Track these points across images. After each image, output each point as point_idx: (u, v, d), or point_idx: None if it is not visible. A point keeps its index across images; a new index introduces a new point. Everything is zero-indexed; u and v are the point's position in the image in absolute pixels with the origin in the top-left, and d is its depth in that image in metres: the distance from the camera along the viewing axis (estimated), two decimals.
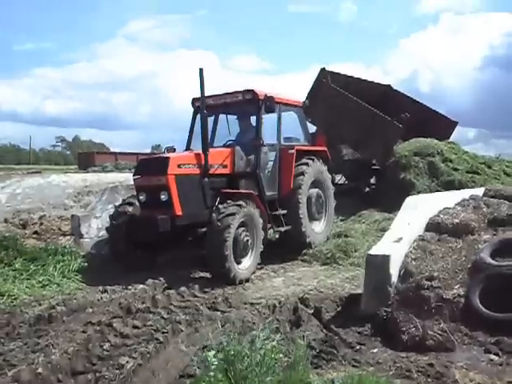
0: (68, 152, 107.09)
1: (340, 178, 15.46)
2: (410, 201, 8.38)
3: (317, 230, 10.62)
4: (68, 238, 10.04)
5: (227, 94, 9.89)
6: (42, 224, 10.92)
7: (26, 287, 7.59)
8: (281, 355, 4.48)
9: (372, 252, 6.30)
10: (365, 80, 16.30)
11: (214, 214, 8.10)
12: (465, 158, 14.47)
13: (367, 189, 15.46)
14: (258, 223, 8.68)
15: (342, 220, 12.49)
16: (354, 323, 5.83)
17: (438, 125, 15.39)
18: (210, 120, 10.19)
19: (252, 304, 6.88)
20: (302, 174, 10.06)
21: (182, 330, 5.82)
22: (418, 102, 16.18)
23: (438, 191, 11.98)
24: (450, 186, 12.71)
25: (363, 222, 11.95)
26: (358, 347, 5.27)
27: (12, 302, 7.02)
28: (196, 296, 7.35)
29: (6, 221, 10.89)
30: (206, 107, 9.00)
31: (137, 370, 4.82)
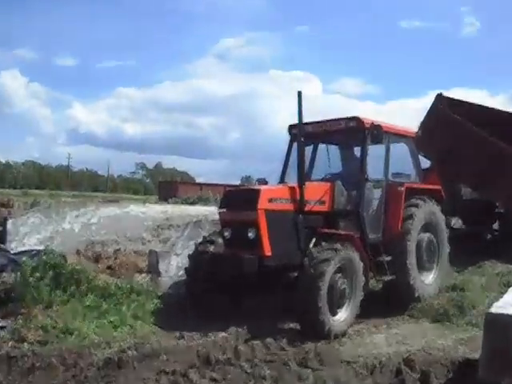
0: (148, 180, 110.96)
1: (455, 222, 15.02)
2: None
3: (427, 281, 10.33)
4: (144, 275, 10.30)
5: (329, 121, 10.00)
6: (116, 258, 11.23)
7: (96, 326, 7.76)
8: None
9: (493, 310, 5.98)
10: (490, 108, 15.89)
11: (306, 259, 8.07)
12: None
13: (489, 235, 14.98)
14: (358, 269, 8.55)
15: (457, 271, 12.09)
16: None
17: None
18: (308, 150, 10.22)
19: (348, 362, 6.73)
20: (412, 215, 9.87)
21: None
22: None
23: None
24: None
25: (483, 275, 11.60)
26: None
27: (81, 342, 7.18)
28: (284, 349, 7.30)
29: (78, 252, 11.33)
30: (304, 135, 9.07)
31: None
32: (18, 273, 8.70)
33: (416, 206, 10.04)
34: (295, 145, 9.41)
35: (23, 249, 11.41)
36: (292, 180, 9.42)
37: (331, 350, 7.38)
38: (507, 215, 13.94)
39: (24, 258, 9.40)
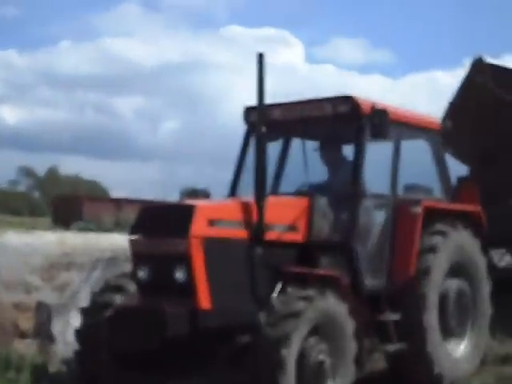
0: (37, 193, 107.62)
1: (501, 257, 13.96)
2: None
3: (456, 353, 9.25)
4: (29, 341, 9.76)
5: (307, 102, 8.89)
6: None
7: None
8: None
9: None
10: None
11: (263, 314, 6.99)
12: None
13: None
14: (346, 330, 7.45)
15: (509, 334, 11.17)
16: None
17: None
18: (275, 147, 9.43)
19: None
20: (434, 250, 8.70)
21: None
22: None
23: None
24: None
25: None
26: None
27: None
28: None
29: None
30: (267, 123, 7.99)
31: None
32: None
33: (441, 233, 8.91)
34: (254, 138, 8.04)
35: None
36: (249, 193, 8.20)
37: None
38: None
39: None
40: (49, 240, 13.94)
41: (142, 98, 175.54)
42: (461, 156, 12.40)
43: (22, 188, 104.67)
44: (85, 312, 7.95)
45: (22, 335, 9.91)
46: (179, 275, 7.06)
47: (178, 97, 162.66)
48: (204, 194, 9.05)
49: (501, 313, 9.98)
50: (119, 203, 37.54)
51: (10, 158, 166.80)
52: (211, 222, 7.22)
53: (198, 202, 7.67)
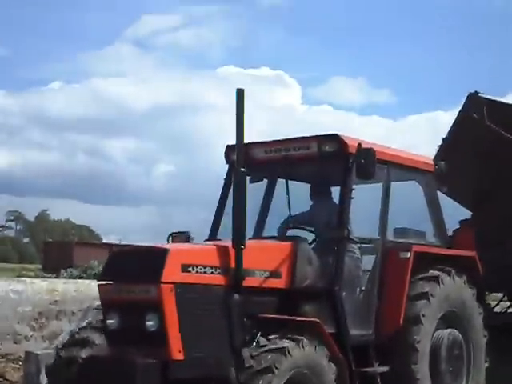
0: (27, 239, 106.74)
1: (498, 302, 13.62)
2: None
3: None
4: None
5: (291, 141, 8.66)
6: None
7: None
8: None
9: None
10: None
11: (233, 369, 6.66)
12: None
13: None
14: (327, 381, 7.01)
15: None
16: None
17: None
18: (260, 188, 9.25)
19: None
20: (424, 296, 8.40)
21: None
22: None
23: None
24: None
25: None
26: None
27: None
28: None
29: None
30: (252, 163, 8.09)
31: None
32: None
33: (434, 280, 8.61)
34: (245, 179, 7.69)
35: None
36: (230, 236, 7.62)
37: None
38: None
39: None
40: (39, 287, 13.69)
41: (134, 141, 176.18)
42: (456, 195, 12.11)
43: (10, 233, 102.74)
44: (48, 370, 7.76)
45: None
46: (150, 324, 6.66)
47: (171, 139, 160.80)
48: (184, 237, 8.54)
49: (498, 359, 9.78)
50: (111, 248, 37.20)
51: (0, 202, 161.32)
52: (185, 267, 6.87)
53: (171, 246, 7.42)
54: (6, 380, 10.06)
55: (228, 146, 8.54)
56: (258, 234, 8.98)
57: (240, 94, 7.19)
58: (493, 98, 12.36)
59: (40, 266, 40.00)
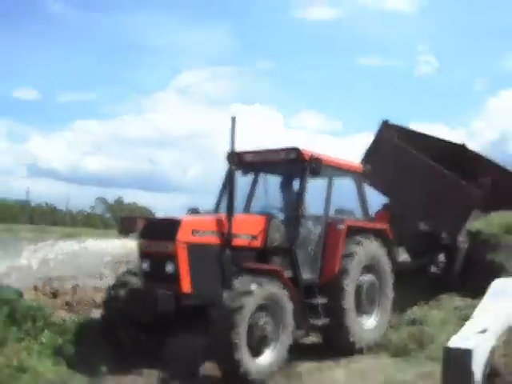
0: (108, 215, 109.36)
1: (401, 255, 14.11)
2: (498, 285, 8.12)
3: (366, 325, 9.91)
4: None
5: (269, 150, 9.63)
6: (74, 294, 11.15)
7: (52, 364, 7.53)
8: None
9: (451, 344, 6.00)
10: (434, 137, 15.43)
11: (225, 292, 7.43)
12: None
13: (435, 269, 14.16)
14: (286, 309, 7.91)
15: (415, 305, 11.54)
16: None
17: None
18: (248, 180, 10.29)
19: None
20: (352, 254, 9.49)
21: None
22: (498, 165, 15.00)
23: None
24: None
25: (442, 309, 11.40)
26: None
27: (35, 381, 6.98)
28: None
29: (35, 288, 11.18)
30: (244, 164, 9.23)
31: None
32: None
33: (358, 243, 9.68)
34: (235, 174, 8.79)
35: None
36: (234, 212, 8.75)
37: None
38: (453, 247, 13.06)
39: None
40: (116, 245, 14.36)
41: (177, 153, 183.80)
42: (375, 186, 12.87)
43: (98, 211, 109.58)
44: (110, 289, 8.65)
45: (98, 307, 9.94)
46: (169, 268, 7.58)
47: (199, 151, 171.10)
48: (194, 212, 9.19)
49: (399, 293, 10.69)
50: None
51: (92, 191, 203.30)
52: (193, 232, 7.80)
53: (185, 217, 8.21)
54: (94, 302, 10.55)
55: (228, 153, 8.85)
56: (246, 211, 10.01)
57: (233, 120, 8.04)
58: (399, 125, 14.21)
59: (117, 232, 41.11)
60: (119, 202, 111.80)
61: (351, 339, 9.29)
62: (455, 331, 7.57)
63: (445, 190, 12.29)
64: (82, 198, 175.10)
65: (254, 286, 7.39)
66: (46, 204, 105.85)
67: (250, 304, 7.29)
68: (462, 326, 7.23)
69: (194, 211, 9.23)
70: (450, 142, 15.65)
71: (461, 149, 15.54)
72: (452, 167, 13.47)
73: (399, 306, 11.05)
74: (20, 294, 9.02)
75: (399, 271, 11.06)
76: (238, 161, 9.13)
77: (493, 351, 6.24)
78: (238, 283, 7.44)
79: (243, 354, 7.15)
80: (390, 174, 12.98)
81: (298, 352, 8.46)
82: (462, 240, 12.90)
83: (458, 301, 11.80)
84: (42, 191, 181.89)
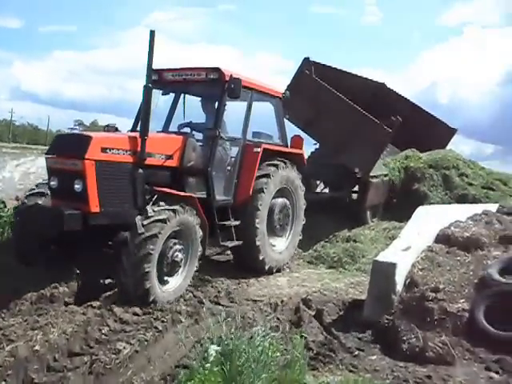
0: None
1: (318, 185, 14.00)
2: (421, 211, 8.35)
3: (277, 247, 9.12)
4: None
5: (190, 69, 8.34)
6: None
7: None
8: (278, 354, 4.47)
9: (379, 259, 6.28)
10: (356, 75, 14.52)
11: (138, 217, 6.45)
12: (480, 173, 14.14)
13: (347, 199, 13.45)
14: (196, 236, 7.10)
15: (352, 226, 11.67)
16: (355, 329, 5.84)
17: (434, 131, 14.33)
18: (168, 99, 9.02)
19: (254, 301, 6.92)
20: (267, 176, 8.60)
21: (181, 321, 5.79)
22: (414, 104, 14.72)
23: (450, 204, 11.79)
24: (463, 200, 12.51)
25: (372, 229, 11.73)
26: (356, 353, 5.27)
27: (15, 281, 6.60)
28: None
29: (17, 199, 10.93)
30: (165, 82, 8.24)
31: (133, 356, 4.82)
32: None
33: (274, 166, 8.80)
34: (155, 92, 7.58)
35: None
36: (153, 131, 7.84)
37: (240, 290, 7.56)
38: (365, 182, 12.25)
39: None
40: None
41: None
42: (291, 118, 11.50)
43: (76, 132, 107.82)
44: (18, 210, 7.40)
45: None
46: (77, 187, 6.41)
47: None
48: (113, 129, 8.03)
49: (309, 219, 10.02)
50: None
51: (70, 115, 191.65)
52: (104, 149, 6.58)
53: (94, 134, 6.87)
54: None
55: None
56: (165, 129, 8.96)
57: (152, 33, 6.80)
58: (317, 61, 13.09)
59: None
60: (94, 124, 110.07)
61: (261, 259, 8.54)
62: (383, 248, 7.99)
63: (359, 129, 11.46)
64: (61, 120, 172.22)
65: (168, 214, 6.57)
66: (28, 124, 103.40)
67: (164, 232, 6.48)
68: (389, 244, 7.53)
69: (110, 128, 8.09)
70: (371, 80, 14.87)
71: (381, 87, 14.84)
72: (371, 104, 12.90)
73: (334, 227, 11.27)
74: (3, 204, 8.95)
75: (319, 202, 11.16)
76: (159, 79, 8.21)
77: (413, 266, 6.49)
78: (152, 210, 6.54)
79: (153, 284, 6.35)
80: (307, 110, 12.06)
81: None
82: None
83: (386, 223, 12.13)
84: (25, 113, 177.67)
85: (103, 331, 5.30)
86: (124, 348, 4.92)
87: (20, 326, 5.38)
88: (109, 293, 6.53)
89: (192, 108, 8.98)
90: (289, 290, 7.75)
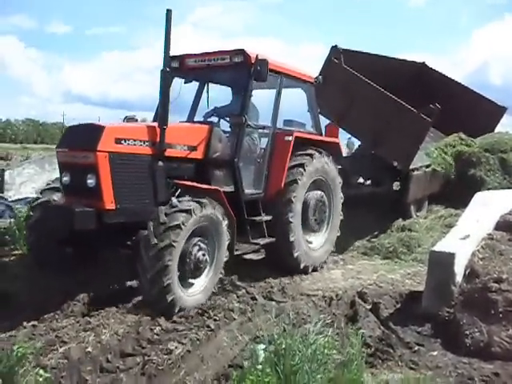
0: None
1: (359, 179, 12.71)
2: (479, 197, 8.05)
3: (313, 244, 8.46)
4: None
5: (212, 53, 7.72)
6: None
7: None
8: (334, 351, 4.31)
9: (436, 248, 6.01)
10: (391, 58, 13.41)
11: (161, 208, 5.90)
12: None
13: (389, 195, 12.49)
14: (222, 233, 6.45)
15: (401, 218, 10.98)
16: (414, 322, 5.58)
17: (482, 111, 13.20)
18: (193, 87, 8.46)
19: (308, 295, 6.77)
20: (300, 166, 7.96)
21: (234, 319, 5.68)
22: (458, 83, 13.62)
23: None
24: None
25: (428, 218, 11.37)
26: (416, 348, 5.03)
27: None
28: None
29: None
30: (187, 69, 7.70)
31: (185, 356, 4.73)
32: (13, 219, 8.59)
33: (308, 155, 8.14)
34: (177, 80, 7.38)
35: (19, 197, 11.65)
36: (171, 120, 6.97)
37: (293, 285, 7.44)
38: (405, 175, 11.24)
39: (19, 205, 9.43)
40: None
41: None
42: (325, 114, 10.56)
43: None
44: (33, 206, 6.93)
45: None
46: (90, 182, 5.92)
47: None
48: (133, 120, 7.68)
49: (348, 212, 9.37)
50: None
51: (120, 114, 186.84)
52: (118, 140, 6.05)
53: (107, 124, 6.27)
54: None
55: (170, 56, 6.83)
56: (189, 119, 8.40)
57: (169, 13, 6.26)
58: (347, 48, 11.76)
59: None
60: (144, 121, 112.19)
61: (296, 257, 7.87)
62: (439, 237, 7.83)
63: (393, 119, 10.47)
64: (110, 120, 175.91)
65: (193, 205, 6.00)
66: None
67: (188, 224, 5.87)
68: (446, 232, 7.32)
69: (130, 119, 7.71)
70: (409, 62, 13.87)
71: (420, 67, 13.90)
72: (410, 88, 12.28)
73: (389, 217, 10.86)
74: None
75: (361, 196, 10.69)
76: (180, 66, 7.77)
77: (473, 255, 6.21)
78: (168, 211, 5.88)
79: (174, 281, 5.73)
80: (339, 102, 11.12)
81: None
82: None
83: (442, 211, 11.74)
84: (76, 115, 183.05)
85: (155, 331, 5.22)
86: (176, 348, 4.83)
87: (72, 327, 5.35)
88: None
89: (218, 99, 8.45)
90: (343, 283, 7.59)
